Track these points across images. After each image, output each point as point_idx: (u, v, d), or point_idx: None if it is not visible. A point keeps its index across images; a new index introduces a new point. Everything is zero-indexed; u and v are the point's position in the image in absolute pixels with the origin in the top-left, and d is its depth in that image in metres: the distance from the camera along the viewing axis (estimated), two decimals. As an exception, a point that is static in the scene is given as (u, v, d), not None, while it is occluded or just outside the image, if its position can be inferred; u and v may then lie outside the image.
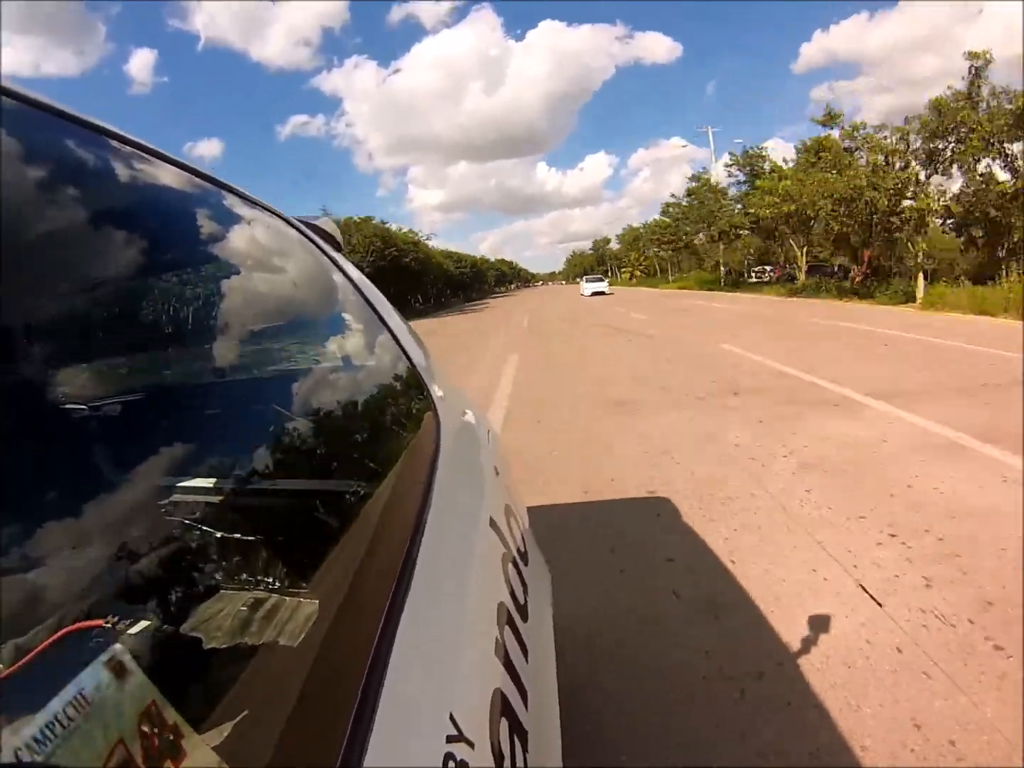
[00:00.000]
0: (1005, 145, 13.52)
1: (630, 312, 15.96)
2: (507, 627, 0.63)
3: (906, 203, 14.83)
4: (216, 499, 0.50)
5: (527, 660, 0.66)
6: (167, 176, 0.63)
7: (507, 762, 0.47)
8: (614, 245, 77.51)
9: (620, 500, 2.93)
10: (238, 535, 0.48)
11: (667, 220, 38.47)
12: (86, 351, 0.48)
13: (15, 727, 0.25)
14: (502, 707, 0.51)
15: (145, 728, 0.29)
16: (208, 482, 0.50)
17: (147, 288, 0.58)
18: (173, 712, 0.31)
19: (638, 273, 56.13)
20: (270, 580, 0.45)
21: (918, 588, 1.94)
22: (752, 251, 29.35)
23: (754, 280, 28.60)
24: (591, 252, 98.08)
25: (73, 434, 0.43)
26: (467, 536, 0.71)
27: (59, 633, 0.31)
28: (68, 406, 0.43)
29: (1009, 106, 13.16)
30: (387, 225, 33.29)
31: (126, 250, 0.50)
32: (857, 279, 18.24)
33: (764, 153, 23.69)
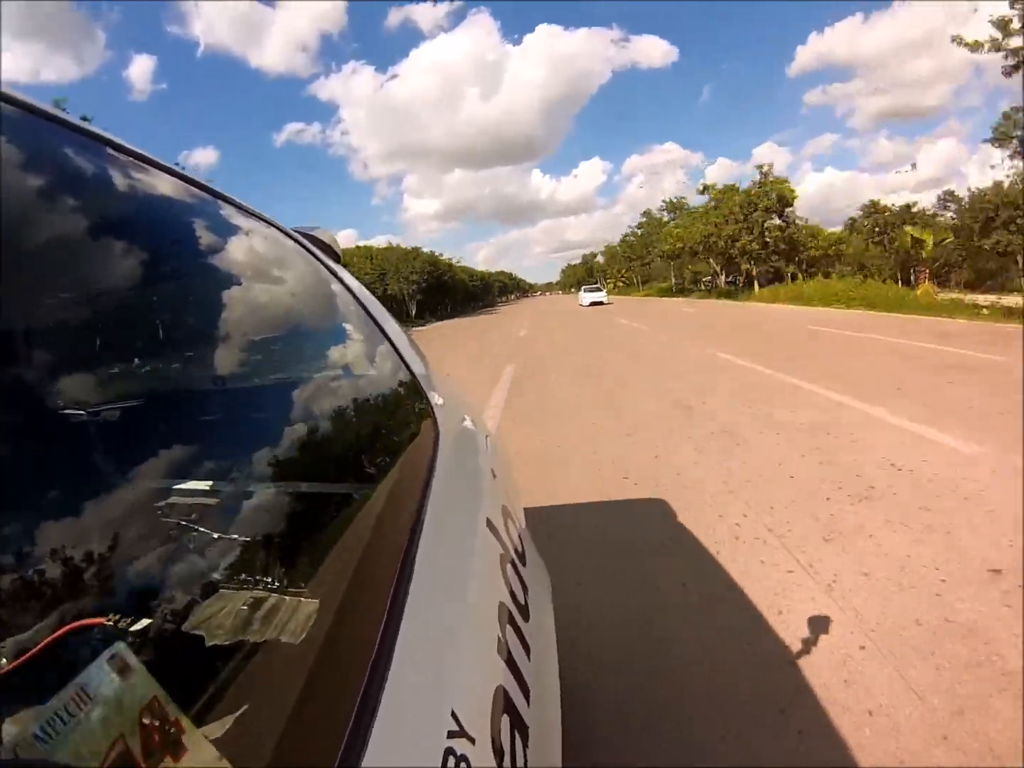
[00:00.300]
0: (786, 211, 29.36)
1: (587, 311, 27.81)
2: (509, 626, 0.63)
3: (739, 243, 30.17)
4: (217, 501, 0.51)
5: (529, 658, 0.66)
6: (164, 186, 0.64)
7: (507, 757, 0.47)
8: (600, 259, 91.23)
9: (546, 320, 22.76)
10: (239, 536, 0.48)
11: (624, 245, 57.51)
12: (85, 358, 0.49)
13: (15, 721, 0.26)
14: (504, 703, 0.51)
15: (146, 724, 0.29)
16: (210, 485, 0.51)
17: (144, 297, 0.59)
18: (175, 708, 0.31)
19: (620, 284, 68.75)
20: (270, 580, 0.46)
21: (593, 328, 15.72)
22: (688, 267, 42.19)
23: (701, 288, 39.76)
24: (581, 264, 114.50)
25: (75, 437, 0.43)
26: (465, 537, 0.71)
27: (61, 630, 0.31)
28: (68, 411, 0.43)
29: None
30: (435, 254, 50.47)
31: (122, 259, 0.50)
32: (740, 285, 32.14)
33: (684, 202, 39.30)
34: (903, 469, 3.09)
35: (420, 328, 29.48)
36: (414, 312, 43.34)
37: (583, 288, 40.24)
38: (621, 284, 67.59)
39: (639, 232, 51.34)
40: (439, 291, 48.84)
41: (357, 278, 1.12)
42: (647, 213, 47.98)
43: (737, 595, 2.05)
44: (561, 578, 1.64)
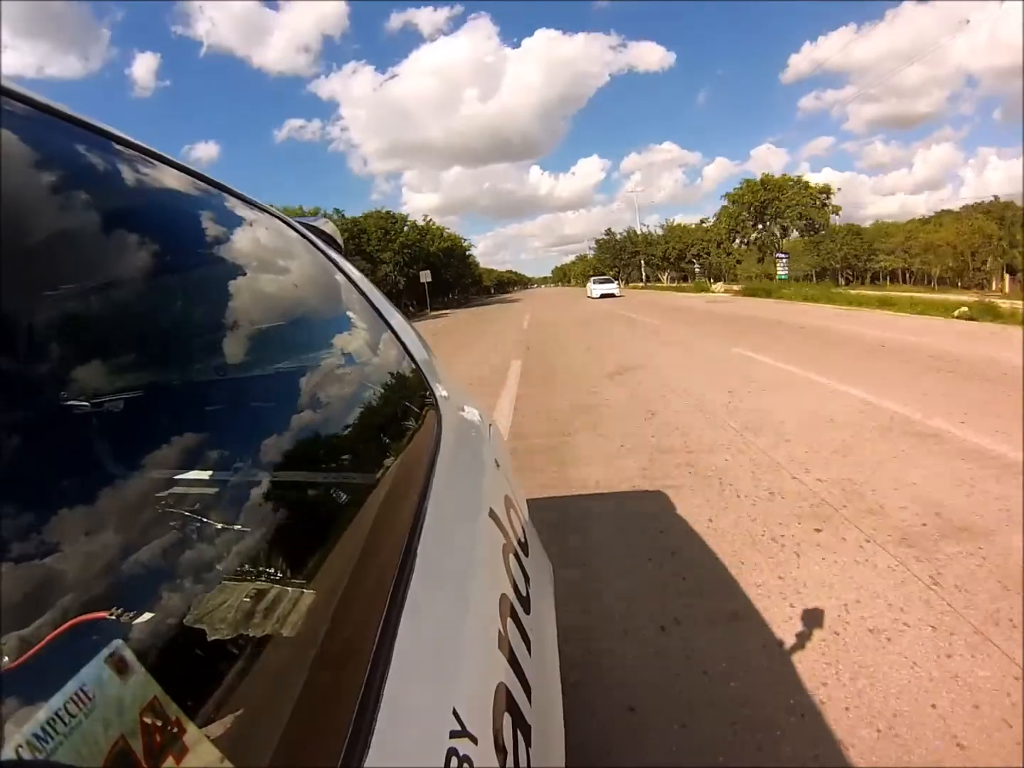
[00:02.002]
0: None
1: (577, 300, 32.55)
2: (510, 620, 0.62)
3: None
4: (219, 492, 0.50)
5: (530, 653, 0.66)
6: (170, 179, 0.63)
7: (510, 757, 0.47)
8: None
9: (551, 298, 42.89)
10: (241, 527, 0.48)
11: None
12: (90, 350, 0.49)
13: (19, 721, 0.26)
14: (506, 702, 0.50)
15: (147, 724, 0.29)
16: (211, 475, 0.50)
17: (151, 289, 0.59)
18: (175, 707, 0.30)
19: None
20: (272, 572, 0.46)
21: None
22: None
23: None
24: (559, 269, 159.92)
25: (79, 429, 0.43)
26: (467, 527, 0.71)
27: (64, 626, 0.31)
28: (72, 402, 0.43)
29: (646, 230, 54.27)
30: (498, 270, 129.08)
31: (129, 251, 0.50)
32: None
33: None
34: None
35: (505, 295, 74.04)
36: (493, 291, 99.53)
37: (592, 279, 35.10)
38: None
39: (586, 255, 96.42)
40: (499, 285, 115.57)
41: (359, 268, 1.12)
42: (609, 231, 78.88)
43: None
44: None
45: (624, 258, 54.15)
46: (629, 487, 3.01)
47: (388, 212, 37.31)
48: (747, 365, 6.11)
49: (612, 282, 31.42)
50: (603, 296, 28.02)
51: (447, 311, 35.05)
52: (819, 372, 5.34)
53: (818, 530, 2.36)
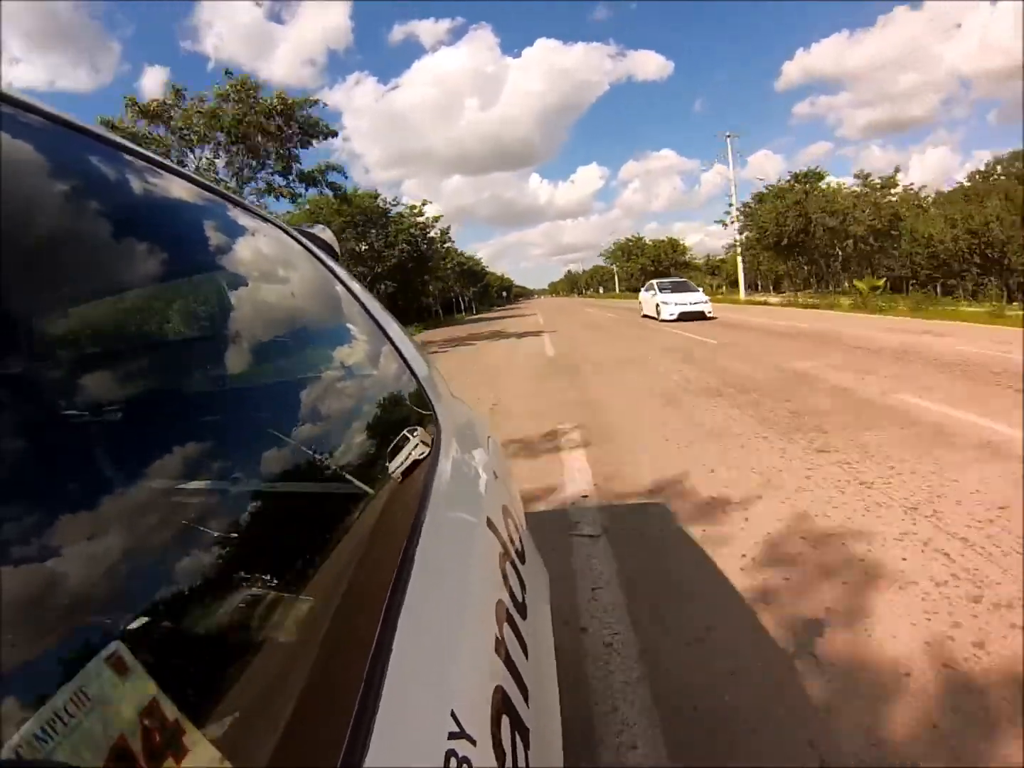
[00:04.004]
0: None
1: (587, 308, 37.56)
2: (507, 625, 0.62)
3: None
4: (218, 500, 0.51)
5: (527, 657, 0.66)
6: (174, 188, 0.64)
7: (508, 759, 0.47)
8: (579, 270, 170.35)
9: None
10: (239, 535, 0.48)
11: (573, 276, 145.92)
12: (92, 359, 0.49)
13: (19, 721, 0.26)
14: (503, 704, 0.50)
15: (146, 725, 0.29)
16: (210, 484, 0.51)
17: (155, 297, 0.59)
18: (174, 709, 0.30)
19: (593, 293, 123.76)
20: (270, 580, 0.46)
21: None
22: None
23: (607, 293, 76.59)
24: (556, 284, 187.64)
25: (78, 437, 0.43)
26: (465, 536, 0.71)
27: (64, 627, 0.31)
28: (72, 411, 0.44)
29: None
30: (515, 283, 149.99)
31: (134, 260, 0.51)
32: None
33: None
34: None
35: (520, 304, 78.01)
36: (513, 299, 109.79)
37: (654, 286, 16.58)
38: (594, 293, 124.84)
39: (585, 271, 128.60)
40: (515, 296, 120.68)
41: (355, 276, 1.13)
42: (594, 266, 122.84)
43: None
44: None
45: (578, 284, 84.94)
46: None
47: (492, 271, 67.12)
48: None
49: (697, 291, 16.07)
50: (683, 317, 14.29)
51: (511, 305, 65.51)
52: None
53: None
